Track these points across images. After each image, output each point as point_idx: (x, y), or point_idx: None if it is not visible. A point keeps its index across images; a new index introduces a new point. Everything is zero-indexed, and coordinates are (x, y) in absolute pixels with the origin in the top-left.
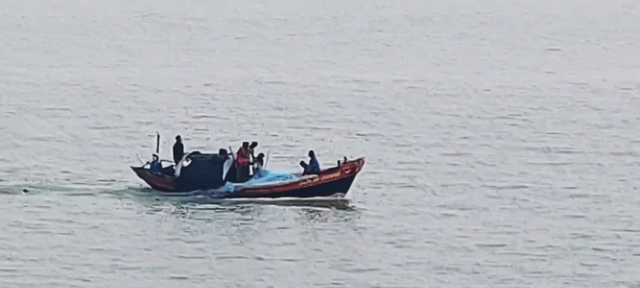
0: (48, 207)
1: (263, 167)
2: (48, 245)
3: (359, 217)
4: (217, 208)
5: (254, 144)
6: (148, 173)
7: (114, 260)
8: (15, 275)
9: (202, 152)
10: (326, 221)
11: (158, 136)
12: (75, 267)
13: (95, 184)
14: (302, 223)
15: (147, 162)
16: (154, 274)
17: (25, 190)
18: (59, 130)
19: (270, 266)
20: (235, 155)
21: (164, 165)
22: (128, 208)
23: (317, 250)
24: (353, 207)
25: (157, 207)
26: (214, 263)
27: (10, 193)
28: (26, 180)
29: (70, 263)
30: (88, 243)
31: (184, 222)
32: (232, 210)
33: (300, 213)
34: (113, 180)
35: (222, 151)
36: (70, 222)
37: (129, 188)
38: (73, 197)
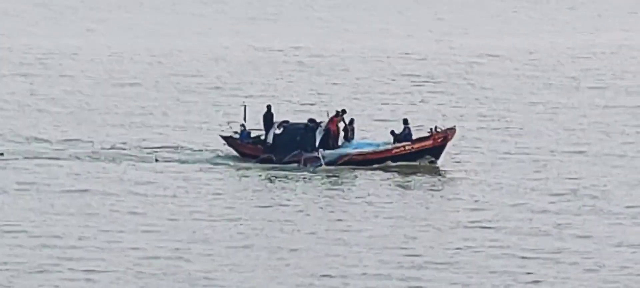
0: (138, 176)
1: (353, 135)
2: (137, 212)
3: (451, 188)
4: (309, 176)
5: (344, 111)
6: (238, 141)
7: (203, 227)
8: (108, 240)
9: (291, 121)
10: (418, 190)
11: (245, 107)
12: (166, 236)
13: (183, 153)
14: (395, 193)
15: (235, 132)
16: (244, 241)
17: (156, 160)
18: (141, 101)
19: (358, 236)
20: (328, 123)
21: (252, 134)
22: (218, 176)
23: (409, 220)
24: (445, 175)
25: (246, 174)
26: (305, 231)
27: (97, 161)
28: (114, 150)
29: (162, 231)
30: (179, 211)
31: (275, 188)
32: (324, 177)
33: (392, 183)
34: (201, 150)
35: (312, 120)
36: (159, 188)
37: (218, 156)
38: (161, 166)
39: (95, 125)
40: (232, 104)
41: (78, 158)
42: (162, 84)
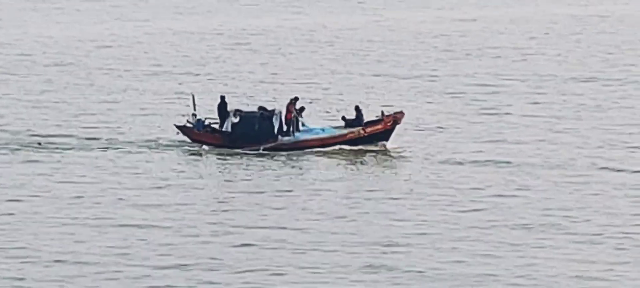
0: (95, 164)
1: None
2: (98, 202)
3: (400, 167)
4: (267, 161)
5: (296, 99)
6: (195, 130)
7: (166, 213)
8: (67, 227)
9: (244, 109)
10: (370, 172)
11: (193, 96)
12: (130, 224)
13: (137, 142)
14: (348, 174)
15: (188, 121)
16: (210, 224)
17: (39, 144)
18: (93, 89)
19: (315, 218)
20: (284, 110)
21: (205, 123)
22: (176, 165)
23: (363, 200)
24: (394, 155)
25: (205, 161)
26: (265, 214)
27: (54, 150)
28: (72, 138)
29: (123, 220)
30: (140, 199)
31: (235, 175)
32: (282, 161)
33: (346, 165)
34: (154, 139)
35: (262, 108)
36: (121, 178)
37: (173, 145)
38: (116, 153)
39: (43, 115)
40: (177, 92)
41: (24, 148)
42: (104, 72)
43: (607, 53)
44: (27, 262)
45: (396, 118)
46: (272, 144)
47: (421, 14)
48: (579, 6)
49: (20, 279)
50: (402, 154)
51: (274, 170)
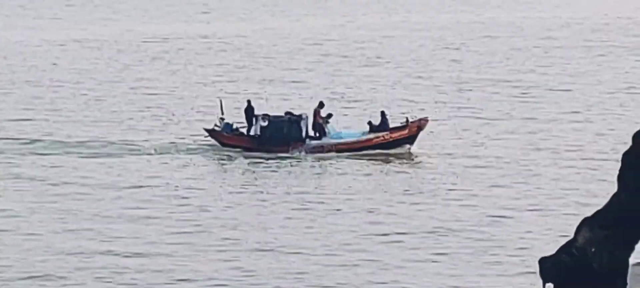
0: (122, 169)
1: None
2: (127, 206)
3: (422, 170)
4: (296, 164)
5: (322, 104)
6: (224, 133)
7: (191, 214)
8: (93, 232)
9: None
10: (395, 174)
11: (221, 101)
12: (159, 226)
13: (167, 146)
14: (374, 177)
15: (215, 124)
16: (233, 223)
17: None
18: (121, 95)
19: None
20: (312, 115)
21: (232, 126)
22: (203, 166)
23: (387, 201)
24: (419, 160)
25: (234, 164)
26: (293, 214)
27: (87, 157)
28: (98, 142)
29: (154, 222)
30: (168, 201)
31: (264, 178)
32: (310, 164)
33: (371, 168)
34: (182, 142)
35: (289, 113)
36: (148, 181)
37: (201, 148)
38: (148, 158)
39: (72, 119)
40: (203, 97)
41: (58, 153)
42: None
43: (506, 57)
44: None
45: (420, 124)
46: (301, 147)
47: (318, 21)
48: (470, 13)
49: None
50: (423, 157)
51: (299, 171)
